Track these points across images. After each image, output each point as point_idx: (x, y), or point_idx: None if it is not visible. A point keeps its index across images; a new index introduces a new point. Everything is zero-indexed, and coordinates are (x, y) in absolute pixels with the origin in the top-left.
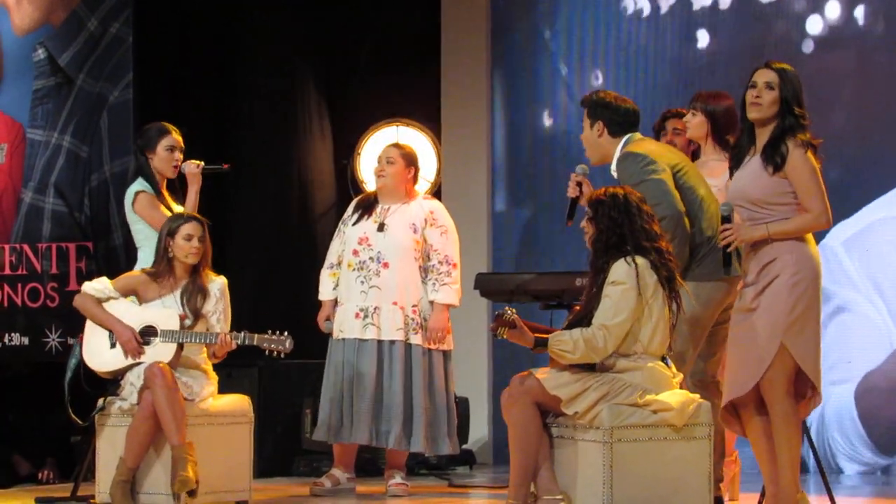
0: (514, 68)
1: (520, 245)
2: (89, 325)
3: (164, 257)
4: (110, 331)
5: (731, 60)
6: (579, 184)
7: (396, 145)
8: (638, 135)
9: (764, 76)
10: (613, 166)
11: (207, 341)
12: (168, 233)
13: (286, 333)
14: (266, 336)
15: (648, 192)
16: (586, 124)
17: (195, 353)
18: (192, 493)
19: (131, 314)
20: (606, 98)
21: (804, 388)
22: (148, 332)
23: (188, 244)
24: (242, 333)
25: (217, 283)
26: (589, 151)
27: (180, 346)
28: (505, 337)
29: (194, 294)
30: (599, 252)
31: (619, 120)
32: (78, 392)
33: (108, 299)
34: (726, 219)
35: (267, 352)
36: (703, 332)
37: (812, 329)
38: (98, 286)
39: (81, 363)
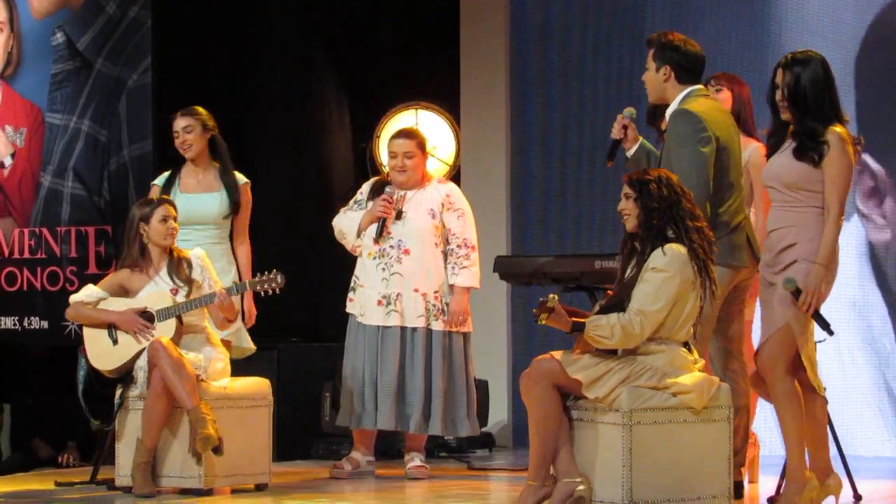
0: (533, 49)
1: (539, 228)
2: (87, 332)
3: (136, 244)
4: (109, 327)
5: None
6: (625, 127)
7: (408, 135)
8: (701, 88)
9: (777, 76)
10: (668, 112)
11: (203, 304)
12: (141, 218)
13: (275, 270)
14: (257, 279)
15: (685, 160)
16: (651, 66)
17: (197, 322)
18: (217, 450)
19: (125, 308)
20: (675, 41)
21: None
22: (144, 318)
23: (165, 225)
24: (232, 284)
25: (195, 253)
26: (650, 92)
27: (179, 320)
28: (544, 322)
29: (180, 265)
30: (651, 231)
31: (688, 66)
32: (94, 397)
33: (98, 301)
34: (796, 294)
35: (262, 293)
36: (717, 310)
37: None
38: (86, 292)
39: (90, 371)
